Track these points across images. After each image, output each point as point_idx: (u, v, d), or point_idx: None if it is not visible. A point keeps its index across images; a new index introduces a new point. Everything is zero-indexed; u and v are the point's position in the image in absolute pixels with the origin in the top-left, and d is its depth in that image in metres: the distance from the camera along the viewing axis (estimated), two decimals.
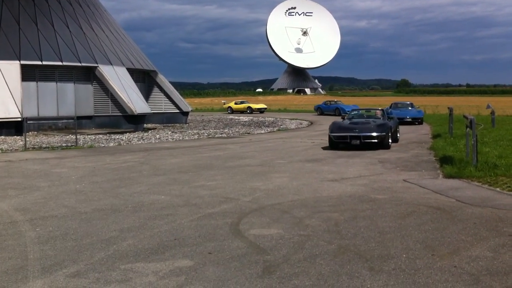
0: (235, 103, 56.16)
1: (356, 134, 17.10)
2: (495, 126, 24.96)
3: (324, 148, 17.98)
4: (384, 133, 17.09)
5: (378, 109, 20.75)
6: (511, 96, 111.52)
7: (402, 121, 28.14)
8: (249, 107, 53.47)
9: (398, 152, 16.47)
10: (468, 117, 13.37)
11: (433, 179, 11.31)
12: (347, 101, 58.84)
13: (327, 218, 7.74)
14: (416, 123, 31.04)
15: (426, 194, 9.62)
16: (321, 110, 46.39)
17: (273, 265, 5.67)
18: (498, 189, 9.95)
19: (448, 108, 23.75)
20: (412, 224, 7.32)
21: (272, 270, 5.51)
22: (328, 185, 10.72)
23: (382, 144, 17.20)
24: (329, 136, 17.88)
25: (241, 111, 52.90)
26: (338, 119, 23.53)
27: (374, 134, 17.09)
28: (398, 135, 20.02)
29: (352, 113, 21.43)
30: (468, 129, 13.07)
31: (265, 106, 55.13)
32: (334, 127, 17.83)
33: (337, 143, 17.55)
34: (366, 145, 17.19)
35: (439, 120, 32.81)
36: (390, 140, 17.63)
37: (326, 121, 35.94)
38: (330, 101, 48.94)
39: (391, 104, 44.68)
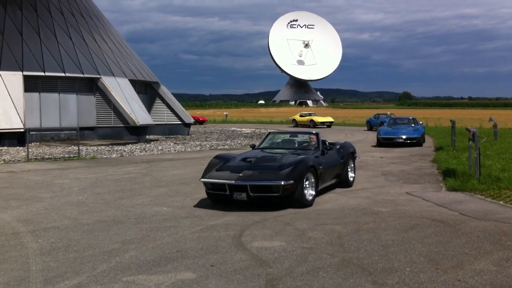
0: (300, 115, 49.53)
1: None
2: (498, 139, 24.93)
3: None
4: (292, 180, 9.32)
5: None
6: None
7: (393, 143, 23.88)
8: (311, 121, 46.27)
9: (401, 165, 16.44)
10: (470, 130, 13.36)
11: (436, 192, 11.28)
12: (349, 114, 58.85)
13: (330, 231, 7.71)
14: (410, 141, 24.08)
15: (429, 207, 9.59)
16: (370, 124, 40.37)
17: (276, 278, 5.64)
18: (501, 202, 9.91)
19: (451, 121, 23.73)
20: (415, 237, 7.28)
21: (275, 283, 5.48)
22: (331, 197, 10.70)
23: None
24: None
25: (305, 124, 46.42)
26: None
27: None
28: (351, 175, 12.28)
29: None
30: (470, 142, 13.05)
31: (332, 120, 47.78)
32: None
33: None
34: None
35: (442, 133, 32.79)
36: (309, 193, 9.80)
37: (328, 134, 35.95)
38: (379, 114, 42.26)
39: (374, 114, 42.15)
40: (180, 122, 34.53)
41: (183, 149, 23.52)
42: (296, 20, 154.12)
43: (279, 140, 12.14)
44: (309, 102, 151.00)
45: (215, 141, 28.55)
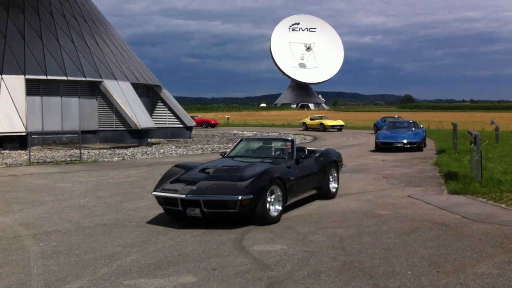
0: (311, 119, 48.07)
1: None
2: (500, 142, 24.91)
3: None
4: None
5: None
6: None
7: (392, 148, 22.78)
8: (321, 124, 44.93)
9: (403, 168, 16.43)
10: (472, 132, 13.35)
11: (438, 195, 11.27)
12: (351, 117, 58.77)
13: (331, 234, 7.71)
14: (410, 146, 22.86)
15: (431, 210, 9.57)
16: (377, 128, 38.05)
17: (277, 281, 5.64)
18: (503, 205, 9.90)
19: (452, 123, 23.70)
20: (417, 241, 7.27)
21: (276, 287, 5.47)
22: (332, 200, 10.68)
23: None
24: None
25: (315, 128, 45.28)
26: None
27: None
28: (333, 185, 11.05)
29: None
30: (472, 145, 13.03)
31: (342, 123, 45.96)
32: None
33: None
34: None
35: (443, 135, 32.76)
36: (275, 208, 8.71)
37: (330, 137, 35.96)
38: (386, 117, 40.70)
39: (381, 117, 40.82)
40: (181, 125, 34.56)
41: (184, 153, 23.53)
42: (298, 23, 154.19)
43: (251, 148, 10.93)
44: (311, 105, 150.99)
45: (217, 144, 28.56)
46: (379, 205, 10.08)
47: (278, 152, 10.38)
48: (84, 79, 27.88)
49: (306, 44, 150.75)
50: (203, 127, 53.53)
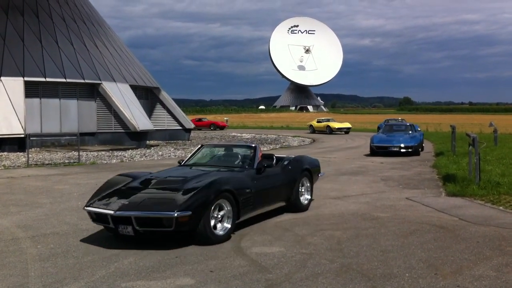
0: (318, 121, 46.74)
1: None
2: (498, 144, 24.93)
3: (327, 165, 17.95)
4: None
5: None
6: None
7: (388, 152, 21.77)
8: (327, 127, 43.77)
9: (401, 170, 16.43)
10: (470, 135, 13.36)
11: (436, 197, 11.28)
12: (350, 119, 58.80)
13: (329, 236, 7.71)
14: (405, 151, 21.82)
15: (429, 212, 9.58)
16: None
17: (275, 283, 5.64)
18: (501, 207, 9.91)
19: (451, 126, 23.72)
20: (415, 243, 7.28)
21: None
22: (331, 202, 10.69)
23: None
24: None
25: (322, 131, 44.30)
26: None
27: None
28: (306, 197, 10.04)
29: None
30: (470, 147, 13.05)
31: (349, 126, 44.76)
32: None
33: None
34: None
35: (442, 138, 32.78)
36: (223, 226, 7.66)
37: (329, 139, 35.97)
38: (389, 120, 40.17)
39: (385, 120, 39.76)
40: (180, 128, 34.57)
41: (183, 154, 23.52)
42: (297, 26, 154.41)
43: (211, 155, 9.81)
44: (310, 108, 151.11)
45: None
46: (377, 207, 10.08)
47: (238, 161, 9.15)
48: (83, 81, 27.88)
49: (305, 47, 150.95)
50: (211, 129, 53.36)
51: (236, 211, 7.67)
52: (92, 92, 28.78)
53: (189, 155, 9.85)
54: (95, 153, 23.72)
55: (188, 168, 9.04)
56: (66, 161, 20.24)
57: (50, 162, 19.89)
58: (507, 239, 7.47)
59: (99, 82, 28.37)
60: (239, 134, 43.01)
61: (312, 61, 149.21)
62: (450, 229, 8.11)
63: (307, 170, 10.04)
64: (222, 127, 54.34)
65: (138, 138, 28.16)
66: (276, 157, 9.89)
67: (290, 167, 9.56)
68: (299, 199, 9.69)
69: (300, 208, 9.67)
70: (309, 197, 10.03)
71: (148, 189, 7.64)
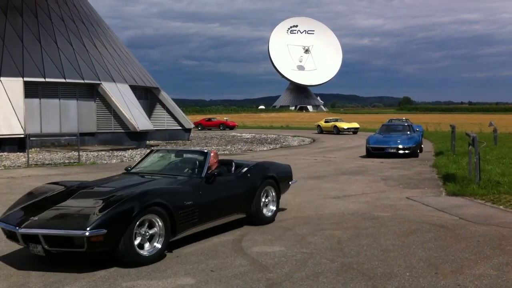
0: (325, 121, 45.49)
1: None
2: (498, 143, 24.94)
3: (327, 165, 17.95)
4: None
5: None
6: None
7: (384, 153, 20.83)
8: (335, 127, 42.64)
9: (401, 170, 16.44)
10: (470, 134, 13.37)
11: (436, 197, 11.28)
12: (349, 119, 58.71)
13: (329, 236, 7.71)
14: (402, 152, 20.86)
15: (429, 211, 9.59)
16: None
17: (276, 283, 5.64)
18: (501, 206, 9.92)
19: (450, 125, 23.72)
20: (415, 242, 7.28)
21: None
22: (331, 202, 10.69)
23: None
24: None
25: (329, 131, 43.11)
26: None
27: None
28: (271, 208, 8.99)
29: None
30: (470, 146, 13.06)
31: (357, 126, 43.58)
32: None
33: None
34: None
35: (442, 137, 32.79)
36: (152, 246, 6.64)
37: (329, 139, 35.98)
38: (392, 120, 38.87)
39: (388, 120, 41.40)
40: (180, 128, 34.56)
41: None
42: (296, 26, 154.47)
43: (161, 162, 8.73)
44: (309, 107, 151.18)
45: (215, 146, 28.56)
46: (377, 207, 10.09)
47: (187, 169, 8.08)
48: (82, 81, 27.88)
49: (304, 47, 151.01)
50: (220, 129, 53.00)
51: (170, 227, 6.65)
52: (92, 92, 28.77)
53: (138, 161, 8.85)
54: (95, 153, 23.72)
55: (132, 176, 8.02)
56: (66, 161, 20.24)
57: (50, 162, 19.89)
58: (508, 238, 7.48)
59: (98, 82, 28.36)
60: (239, 134, 43.01)
61: (312, 61, 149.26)
62: (451, 229, 8.12)
63: (272, 177, 8.90)
64: (232, 127, 53.55)
65: (138, 138, 28.16)
66: (236, 163, 8.93)
67: (249, 175, 8.49)
68: (261, 211, 8.59)
69: (262, 220, 8.57)
70: (274, 208, 8.90)
71: (67, 202, 6.68)
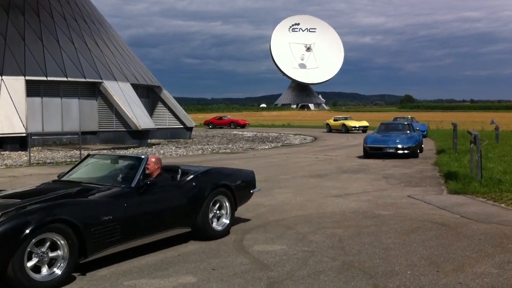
0: (334, 119, 44.89)
1: None
2: (500, 141, 24.92)
3: (328, 164, 17.95)
4: None
5: None
6: None
7: (382, 154, 19.84)
8: (343, 125, 42.05)
9: (403, 168, 16.43)
10: (472, 132, 13.36)
11: (438, 195, 11.28)
12: (352, 117, 58.51)
13: (331, 234, 7.71)
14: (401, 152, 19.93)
15: (430, 210, 9.59)
16: None
17: (277, 281, 5.65)
18: (503, 205, 9.91)
19: (452, 123, 23.68)
20: (416, 240, 7.28)
21: (276, 287, 5.48)
22: (332, 200, 10.69)
23: None
24: None
25: (338, 129, 42.54)
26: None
27: None
28: (224, 221, 7.87)
29: None
30: (472, 144, 13.05)
31: (367, 124, 42.36)
32: None
33: None
34: None
35: (443, 135, 32.77)
36: (45, 273, 5.55)
37: (330, 137, 35.97)
38: (397, 118, 38.02)
39: (394, 118, 40.24)
40: (182, 126, 34.59)
41: (184, 153, 23.54)
42: (298, 24, 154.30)
43: (94, 168, 7.72)
44: (311, 106, 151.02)
45: (217, 145, 28.58)
46: (378, 205, 10.09)
47: (120, 177, 7.10)
48: (84, 80, 27.90)
49: (306, 45, 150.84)
50: (231, 127, 52.62)
51: (80, 247, 5.71)
52: (94, 91, 28.80)
53: (72, 167, 7.89)
54: (97, 152, 23.72)
55: (58, 184, 7.13)
56: (68, 160, 20.26)
57: (52, 161, 19.92)
58: (509, 236, 7.48)
59: (100, 81, 28.39)
60: (240, 133, 43.03)
61: (313, 59, 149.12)
62: (452, 227, 8.12)
63: (225, 186, 7.83)
64: (243, 125, 52.82)
65: (140, 137, 28.18)
66: (182, 170, 7.85)
67: (194, 184, 7.41)
68: (209, 224, 7.50)
69: (211, 235, 7.47)
70: (227, 221, 7.82)
71: None
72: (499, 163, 15.84)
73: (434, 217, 8.85)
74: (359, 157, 20.56)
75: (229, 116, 60.60)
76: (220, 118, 56.25)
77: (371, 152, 20.07)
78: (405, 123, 24.29)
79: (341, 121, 43.50)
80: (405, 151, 19.82)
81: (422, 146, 22.11)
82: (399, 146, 19.92)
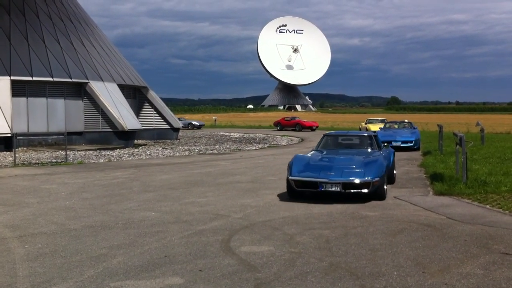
0: (368, 122, 39.49)
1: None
2: (485, 143, 25.11)
3: None
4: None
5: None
6: (500, 114, 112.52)
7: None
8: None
9: None
10: (457, 134, 13.45)
11: (424, 196, 11.34)
12: (338, 118, 58.62)
13: (318, 235, 7.73)
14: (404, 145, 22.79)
15: (416, 211, 9.64)
16: None
17: (264, 282, 5.64)
18: (488, 206, 9.99)
19: (438, 125, 23.85)
20: (403, 241, 7.32)
21: None
22: (319, 201, 10.70)
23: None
24: None
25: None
26: None
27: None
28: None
29: None
30: (458, 146, 13.14)
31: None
32: None
33: None
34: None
35: (429, 137, 32.95)
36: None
37: (317, 138, 36.02)
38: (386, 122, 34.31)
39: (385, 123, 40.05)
40: (168, 127, 34.48)
41: (171, 154, 23.47)
42: (285, 25, 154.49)
43: None
44: (298, 107, 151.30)
45: (204, 146, 28.52)
46: (365, 206, 10.13)
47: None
48: (70, 80, 27.71)
49: (293, 46, 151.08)
50: (296, 130, 48.02)
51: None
52: (80, 91, 28.61)
53: None
54: (83, 153, 23.59)
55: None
56: (54, 160, 20.11)
57: (37, 161, 19.76)
58: (494, 237, 7.54)
59: (86, 81, 28.22)
60: (227, 134, 42.98)
61: (300, 61, 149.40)
62: (438, 228, 8.17)
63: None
64: (311, 128, 47.95)
65: (126, 138, 28.04)
66: None
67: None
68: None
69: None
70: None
71: None
72: (485, 164, 15.97)
73: (420, 218, 8.90)
74: None
75: (298, 117, 54.64)
76: (292, 118, 52.16)
77: (298, 191, 11.03)
78: (406, 121, 21.60)
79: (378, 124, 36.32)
80: (408, 144, 15.77)
81: (394, 172, 13.73)
82: (407, 139, 16.11)
